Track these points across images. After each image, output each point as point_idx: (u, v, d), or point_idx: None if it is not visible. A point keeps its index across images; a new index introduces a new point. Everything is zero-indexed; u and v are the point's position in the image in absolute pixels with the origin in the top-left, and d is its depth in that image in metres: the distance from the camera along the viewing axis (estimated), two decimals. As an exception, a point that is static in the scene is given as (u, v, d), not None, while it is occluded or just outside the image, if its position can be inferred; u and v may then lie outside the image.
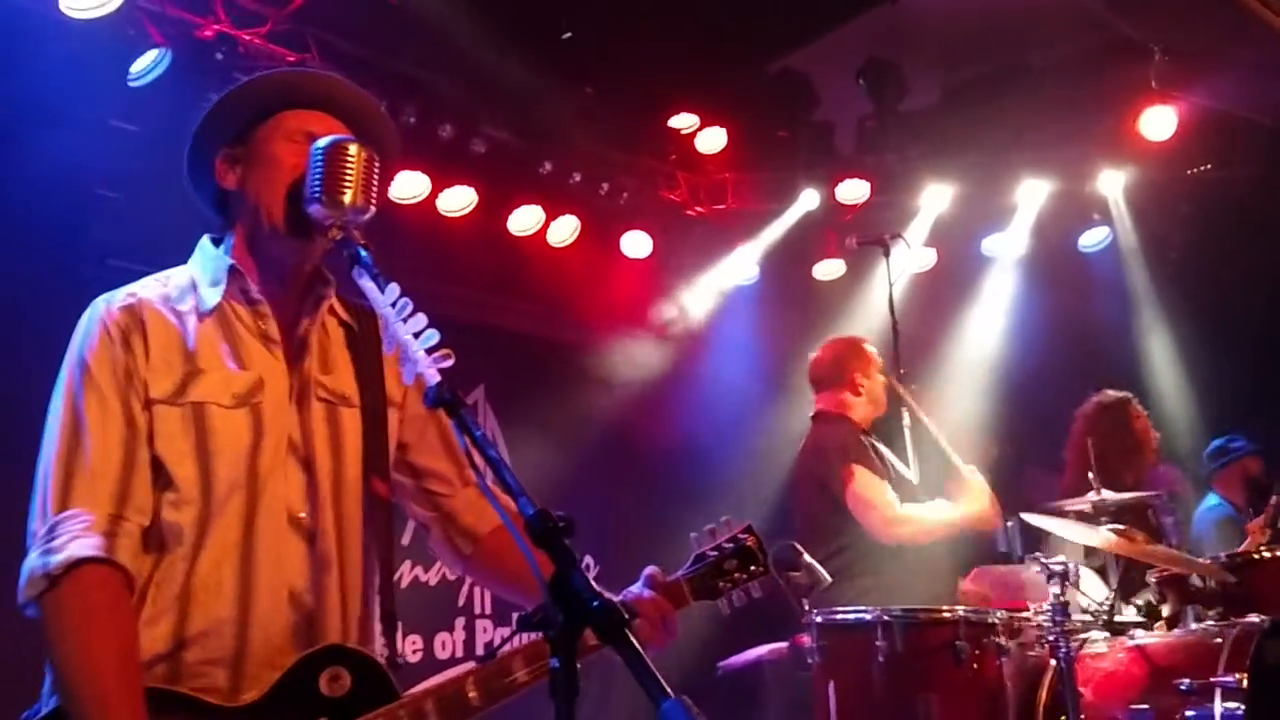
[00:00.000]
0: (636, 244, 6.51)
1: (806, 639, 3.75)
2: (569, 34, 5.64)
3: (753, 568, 2.14)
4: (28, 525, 1.87)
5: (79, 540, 1.79)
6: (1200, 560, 4.15)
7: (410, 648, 5.62)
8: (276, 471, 1.93)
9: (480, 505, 2.17)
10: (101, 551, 1.80)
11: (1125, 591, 4.14)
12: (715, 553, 2.14)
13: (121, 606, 1.81)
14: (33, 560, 1.81)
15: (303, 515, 1.93)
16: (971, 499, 4.23)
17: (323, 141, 1.94)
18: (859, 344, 4.63)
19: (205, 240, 2.09)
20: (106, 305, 1.98)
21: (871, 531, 4.11)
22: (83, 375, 1.91)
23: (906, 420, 4.66)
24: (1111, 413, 5.01)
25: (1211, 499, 5.77)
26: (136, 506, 1.86)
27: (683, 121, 6.35)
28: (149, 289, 2.02)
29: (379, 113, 2.16)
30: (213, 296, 2.00)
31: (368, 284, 1.81)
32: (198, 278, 2.04)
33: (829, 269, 6.93)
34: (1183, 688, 3.48)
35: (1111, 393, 5.10)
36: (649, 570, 2.10)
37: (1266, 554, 4.07)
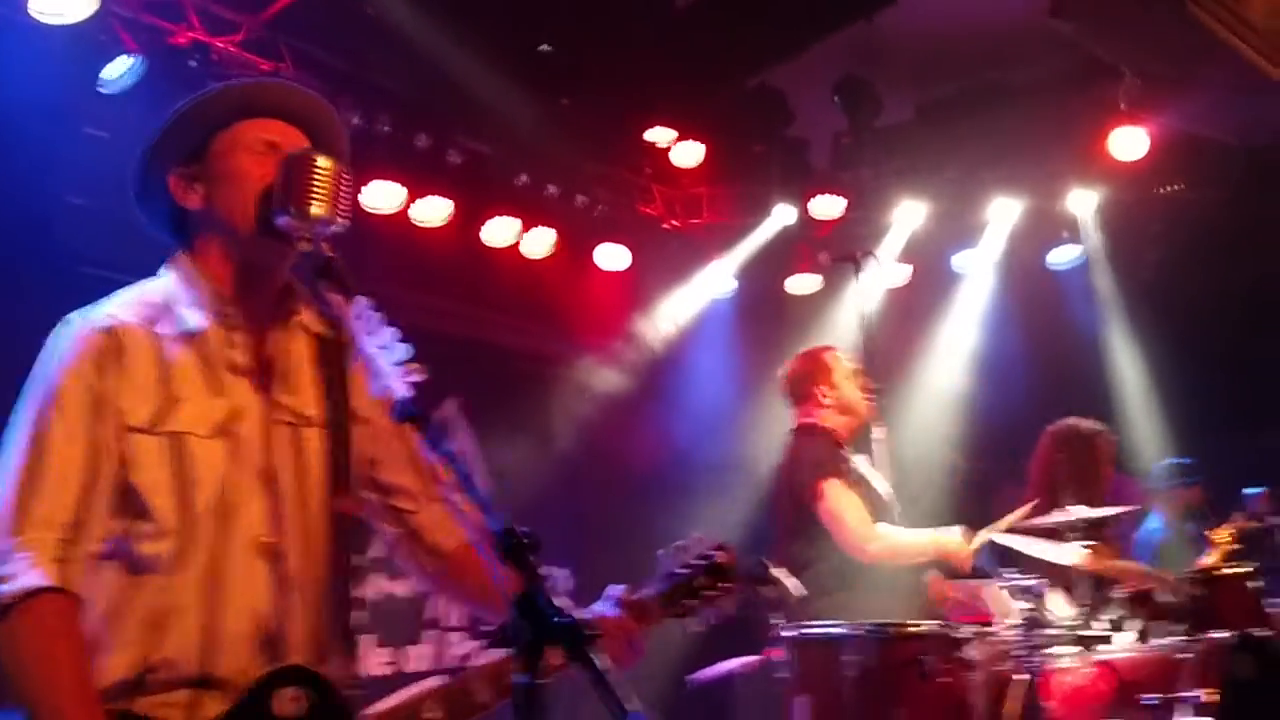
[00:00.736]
0: (612, 256, 6.52)
1: (777, 653, 3.76)
2: (546, 46, 5.65)
3: (723, 585, 2.08)
4: None
5: (31, 571, 1.77)
6: (1166, 575, 4.19)
7: (380, 661, 5.58)
8: (246, 498, 1.91)
9: (446, 521, 2.14)
10: (55, 580, 1.78)
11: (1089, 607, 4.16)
12: (685, 570, 2.08)
13: (76, 633, 1.80)
14: None
15: (268, 540, 1.91)
16: (951, 535, 4.15)
17: (293, 154, 1.94)
18: (819, 355, 4.56)
19: (182, 256, 2.04)
20: (83, 325, 1.93)
21: (843, 547, 4.09)
22: (50, 396, 1.87)
23: (878, 435, 4.66)
24: (1082, 441, 5.02)
25: (1154, 520, 5.78)
26: (90, 535, 1.84)
27: (659, 135, 6.36)
28: (128, 309, 1.96)
29: (332, 116, 2.14)
30: (190, 319, 1.96)
31: (336, 298, 1.80)
32: (175, 297, 1.99)
33: (803, 283, 6.97)
34: (1149, 703, 3.52)
35: (1086, 422, 5.12)
36: (615, 590, 2.08)
37: (1230, 570, 4.12)
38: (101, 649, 1.84)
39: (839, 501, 4.11)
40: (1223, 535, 5.17)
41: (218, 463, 1.90)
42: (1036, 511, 4.28)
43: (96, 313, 1.95)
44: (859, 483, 4.27)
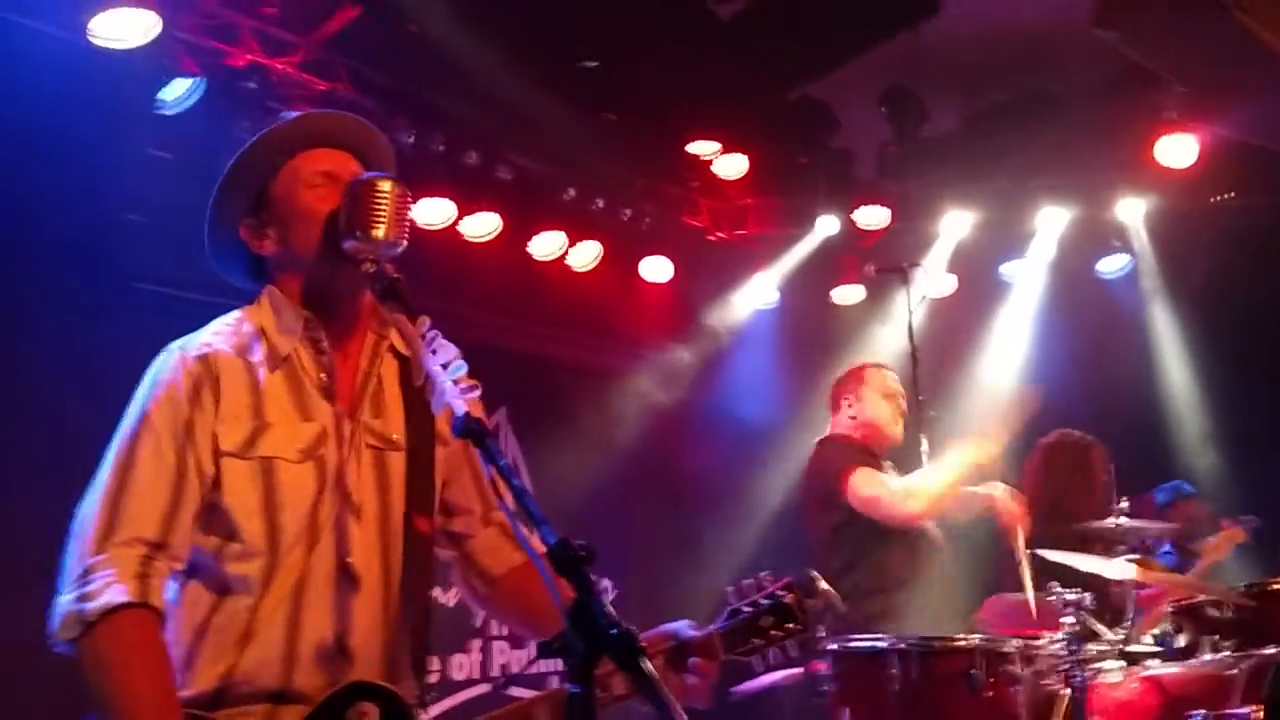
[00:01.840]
0: (657, 269, 6.57)
1: (821, 666, 3.77)
2: (592, 62, 5.72)
3: (790, 626, 2.00)
4: (64, 558, 1.90)
5: (114, 586, 1.83)
6: (1217, 588, 4.14)
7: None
8: (330, 521, 1.98)
9: (497, 546, 2.21)
10: (136, 596, 1.84)
11: (1113, 620, 4.11)
12: (750, 609, 2.00)
13: (156, 644, 1.86)
14: (68, 603, 1.85)
15: (350, 560, 1.98)
16: (964, 449, 4.10)
17: (358, 179, 2.01)
18: (859, 369, 4.53)
19: (271, 288, 2.11)
20: (181, 354, 2.01)
21: (886, 520, 4.05)
22: (142, 421, 1.96)
23: (925, 447, 4.65)
24: (1078, 452, 4.94)
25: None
26: (175, 553, 1.92)
27: (704, 148, 6.40)
28: (222, 338, 2.05)
29: (375, 135, 2.20)
30: (283, 347, 2.04)
31: (399, 317, 1.87)
32: (267, 325, 2.06)
33: (848, 294, 6.97)
34: (1197, 719, 3.48)
35: (1078, 434, 5.07)
36: (683, 626, 2.01)
37: (1283, 585, 4.05)
38: (187, 662, 1.91)
39: (866, 481, 4.10)
40: (1213, 546, 5.10)
41: (305, 486, 1.97)
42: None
43: (193, 341, 2.04)
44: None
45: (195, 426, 1.95)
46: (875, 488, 4.11)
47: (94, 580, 1.84)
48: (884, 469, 4.34)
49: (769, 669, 2.09)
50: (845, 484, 4.13)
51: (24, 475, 4.12)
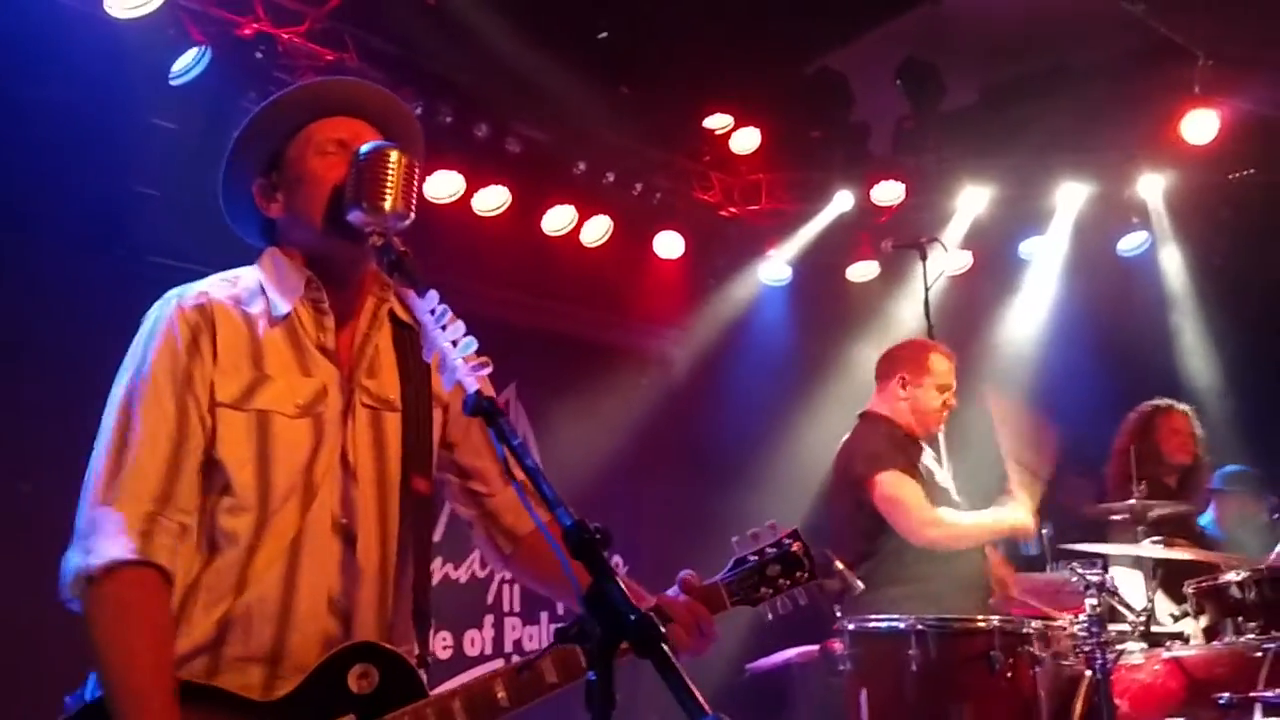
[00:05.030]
0: (669, 244, 6.51)
1: (838, 645, 3.73)
2: (605, 34, 5.63)
3: (798, 574, 2.07)
4: (75, 516, 1.88)
5: (115, 541, 1.81)
6: (1247, 559, 4.07)
7: (439, 644, 5.65)
8: (327, 479, 1.95)
9: (520, 505, 2.15)
10: (136, 554, 1.81)
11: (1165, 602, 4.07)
12: (756, 557, 2.07)
13: (155, 603, 1.83)
14: (73, 559, 1.84)
15: (345, 521, 1.95)
16: (1014, 510, 4.09)
17: (364, 148, 1.95)
18: (923, 350, 4.44)
19: (274, 249, 2.08)
20: (178, 302, 1.98)
21: (902, 533, 4.01)
22: (141, 373, 1.92)
23: (940, 429, 4.58)
24: (1141, 423, 5.01)
25: (1206, 517, 5.60)
26: (178, 507, 1.88)
27: (717, 122, 6.33)
28: (219, 289, 2.02)
29: (402, 109, 2.16)
30: (283, 304, 2.00)
31: (407, 291, 1.82)
32: (267, 283, 2.03)
33: (863, 271, 6.90)
34: (1222, 702, 3.44)
35: (1154, 403, 5.06)
36: (684, 574, 2.07)
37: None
38: (179, 617, 1.88)
39: (897, 488, 4.04)
40: None
41: (300, 443, 1.93)
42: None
43: (190, 290, 2.01)
44: (922, 475, 4.20)
45: (194, 376, 1.92)
46: (902, 496, 4.03)
47: (94, 537, 1.82)
48: (923, 458, 4.28)
49: (776, 616, 2.11)
50: (872, 483, 4.07)
51: (39, 450, 4.11)
